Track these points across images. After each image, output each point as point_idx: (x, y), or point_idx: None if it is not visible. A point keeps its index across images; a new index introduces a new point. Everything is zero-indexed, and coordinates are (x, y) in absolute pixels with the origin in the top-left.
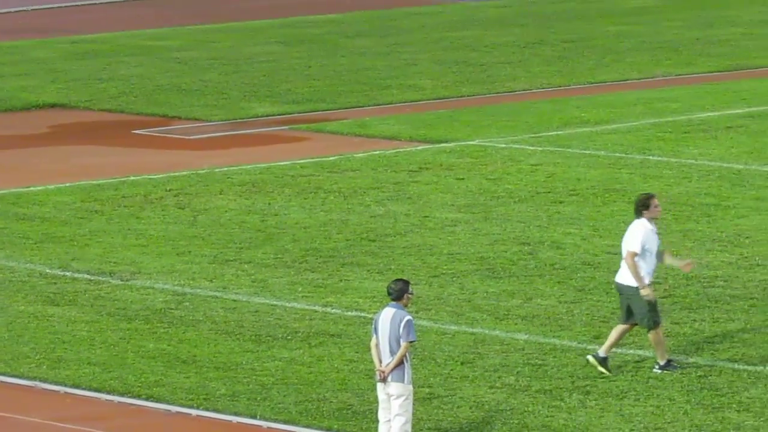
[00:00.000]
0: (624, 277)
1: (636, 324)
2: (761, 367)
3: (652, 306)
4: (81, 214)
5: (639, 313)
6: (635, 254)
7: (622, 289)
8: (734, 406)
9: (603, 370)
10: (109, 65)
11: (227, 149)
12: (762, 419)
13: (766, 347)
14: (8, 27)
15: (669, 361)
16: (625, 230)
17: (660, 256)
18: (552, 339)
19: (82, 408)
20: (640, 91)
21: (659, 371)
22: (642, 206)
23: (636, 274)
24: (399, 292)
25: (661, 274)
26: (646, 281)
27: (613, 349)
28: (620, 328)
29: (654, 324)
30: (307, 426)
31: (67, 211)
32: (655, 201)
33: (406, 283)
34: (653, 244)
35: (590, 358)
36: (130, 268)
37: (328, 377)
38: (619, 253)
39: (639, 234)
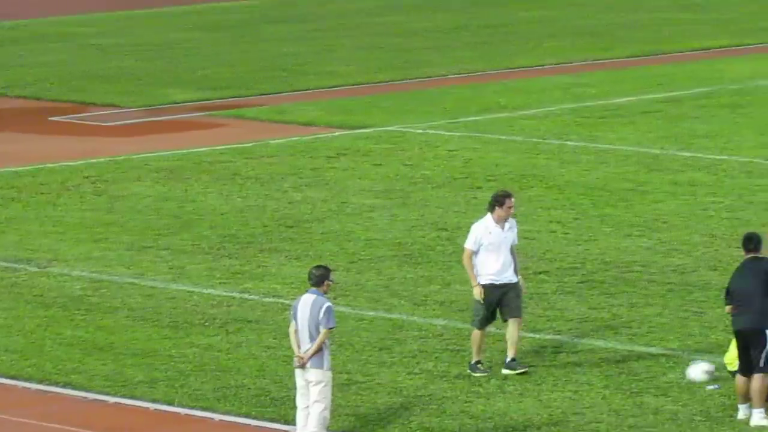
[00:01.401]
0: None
1: (507, 318)
2: (679, 352)
3: (481, 306)
4: None
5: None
6: (471, 252)
7: None
8: (652, 390)
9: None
10: (27, 52)
11: (145, 136)
12: (680, 404)
13: (684, 332)
14: None
15: (477, 363)
16: (542, 216)
17: (512, 254)
18: (470, 325)
19: (0, 395)
20: (557, 77)
21: (470, 370)
22: (495, 203)
23: (468, 271)
24: (319, 279)
25: (578, 259)
26: (481, 281)
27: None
28: (509, 326)
29: (473, 323)
30: (225, 412)
31: None
32: (511, 201)
33: (327, 269)
34: (496, 243)
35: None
36: (47, 255)
37: (246, 364)
38: (535, 239)
39: (473, 232)
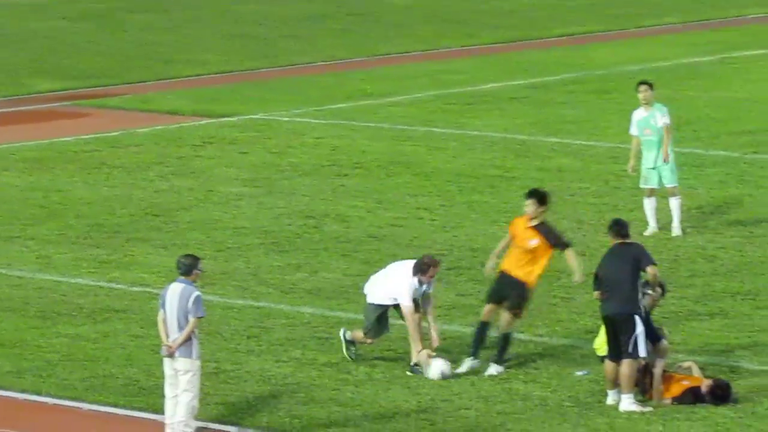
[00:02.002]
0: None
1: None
2: (547, 338)
3: (376, 319)
4: None
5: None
6: (413, 309)
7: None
8: (521, 377)
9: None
10: None
11: (9, 126)
12: (549, 390)
13: (552, 318)
14: None
15: (352, 341)
16: (410, 203)
17: (426, 303)
18: (338, 312)
19: None
20: (424, 63)
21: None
22: (419, 270)
23: (416, 335)
24: (188, 267)
25: (446, 246)
26: (375, 301)
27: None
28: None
29: (365, 329)
30: (94, 402)
31: None
32: (435, 271)
33: (196, 258)
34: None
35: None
36: None
37: (113, 353)
38: (402, 226)
39: (409, 290)
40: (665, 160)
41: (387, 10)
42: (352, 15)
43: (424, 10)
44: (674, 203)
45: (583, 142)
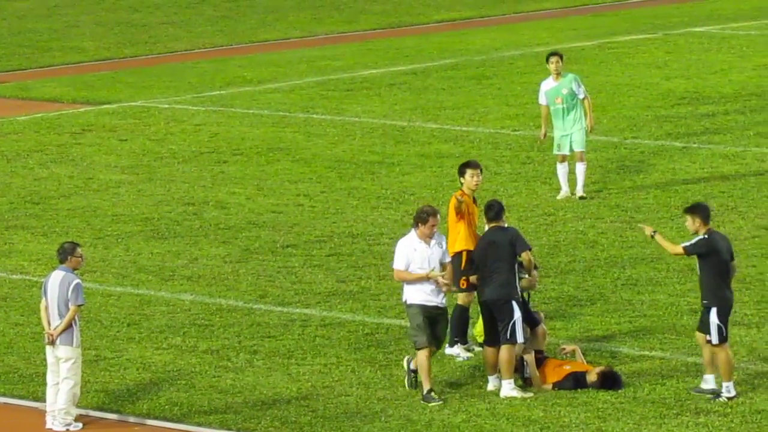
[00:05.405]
0: None
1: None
2: None
3: (418, 325)
4: None
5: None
6: (399, 272)
7: None
8: (402, 363)
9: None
10: None
11: None
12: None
13: None
14: None
15: (431, 391)
16: (289, 190)
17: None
18: (218, 299)
19: None
20: (302, 50)
21: (423, 401)
22: (419, 220)
23: (408, 277)
24: (65, 254)
25: (326, 232)
26: (416, 301)
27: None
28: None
29: (414, 343)
30: None
31: None
32: (434, 220)
33: (74, 245)
34: (422, 260)
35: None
36: None
37: None
38: (282, 213)
39: (401, 251)
40: (591, 129)
41: None
42: (228, 2)
43: None
44: (581, 168)
45: (463, 128)
